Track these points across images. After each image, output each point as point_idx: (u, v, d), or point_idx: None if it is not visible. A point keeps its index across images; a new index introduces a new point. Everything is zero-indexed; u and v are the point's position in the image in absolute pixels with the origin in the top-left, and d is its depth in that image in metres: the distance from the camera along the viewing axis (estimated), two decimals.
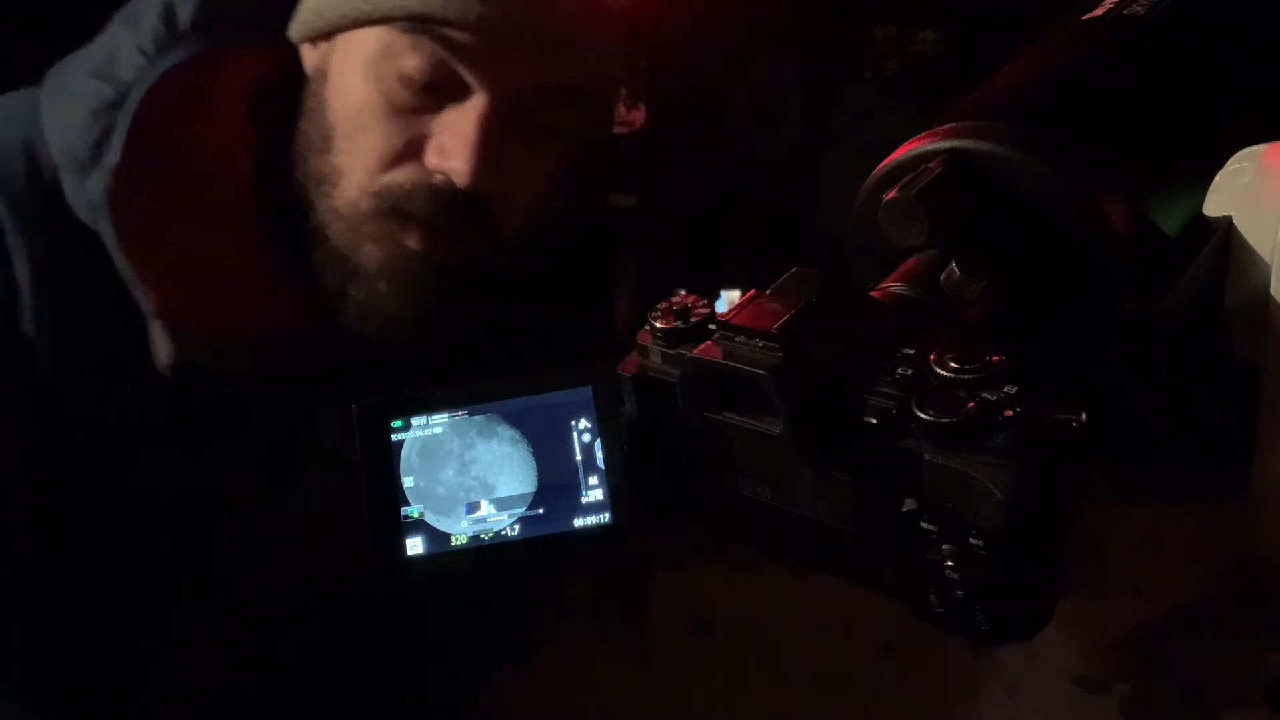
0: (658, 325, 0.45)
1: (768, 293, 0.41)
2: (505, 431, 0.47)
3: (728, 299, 0.44)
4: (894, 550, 0.41)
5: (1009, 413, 0.37)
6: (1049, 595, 0.41)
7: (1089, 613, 0.93)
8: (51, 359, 0.67)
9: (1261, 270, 0.44)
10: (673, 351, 0.44)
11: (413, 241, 0.67)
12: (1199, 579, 0.94)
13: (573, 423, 0.47)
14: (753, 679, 0.96)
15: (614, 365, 0.47)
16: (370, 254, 0.68)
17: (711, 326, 0.43)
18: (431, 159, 0.66)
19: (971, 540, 0.38)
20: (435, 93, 0.65)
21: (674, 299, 0.45)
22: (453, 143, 0.65)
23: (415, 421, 0.47)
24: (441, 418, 0.48)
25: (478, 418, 0.48)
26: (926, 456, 0.38)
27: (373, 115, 0.66)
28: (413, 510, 0.47)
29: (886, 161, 0.49)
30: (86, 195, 0.65)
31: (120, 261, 0.65)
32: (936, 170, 0.46)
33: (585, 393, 0.47)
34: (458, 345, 0.71)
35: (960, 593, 0.39)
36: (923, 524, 0.39)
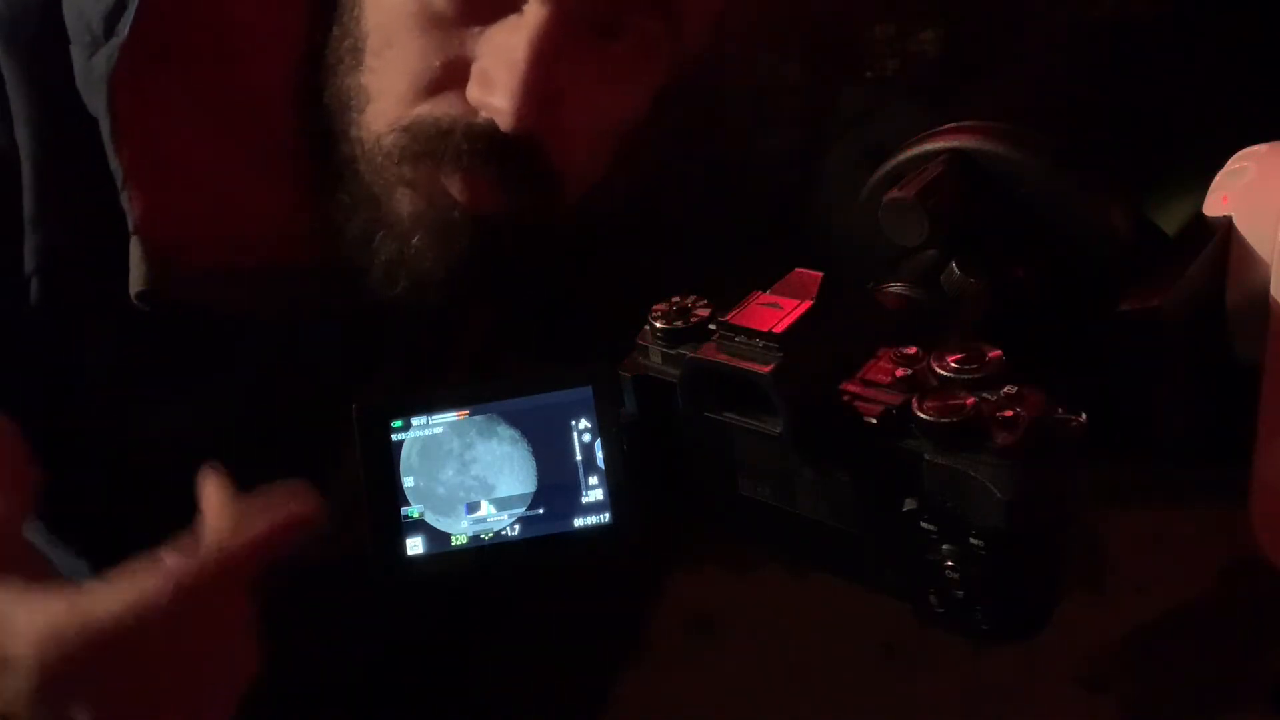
0: (658, 325, 0.45)
1: (768, 293, 0.41)
2: (505, 431, 0.47)
3: None
4: (894, 550, 0.41)
5: (1009, 413, 0.37)
6: (1049, 595, 0.41)
7: (1089, 613, 0.93)
8: (46, 249, 0.56)
9: (1261, 270, 0.44)
10: (673, 351, 0.44)
11: (454, 189, 0.54)
12: (1199, 579, 0.94)
13: (573, 423, 0.47)
14: (752, 679, 0.95)
15: (614, 365, 0.47)
16: (403, 201, 0.55)
17: (711, 326, 0.43)
18: (473, 91, 0.53)
19: (971, 540, 0.38)
20: None
21: (674, 299, 0.45)
22: (499, 70, 0.52)
23: (415, 421, 0.47)
24: (441, 418, 0.48)
25: (478, 418, 0.48)
26: (926, 456, 0.38)
27: (406, 25, 0.54)
28: (413, 510, 0.47)
29: (887, 162, 0.49)
30: (92, 76, 0.54)
31: (112, 158, 0.54)
32: (937, 170, 0.46)
33: (585, 393, 0.47)
34: (490, 322, 0.61)
35: (960, 593, 0.39)
36: (923, 524, 0.39)
